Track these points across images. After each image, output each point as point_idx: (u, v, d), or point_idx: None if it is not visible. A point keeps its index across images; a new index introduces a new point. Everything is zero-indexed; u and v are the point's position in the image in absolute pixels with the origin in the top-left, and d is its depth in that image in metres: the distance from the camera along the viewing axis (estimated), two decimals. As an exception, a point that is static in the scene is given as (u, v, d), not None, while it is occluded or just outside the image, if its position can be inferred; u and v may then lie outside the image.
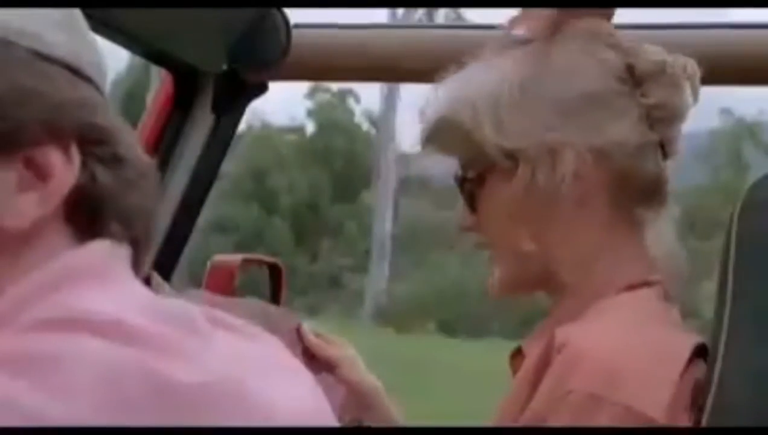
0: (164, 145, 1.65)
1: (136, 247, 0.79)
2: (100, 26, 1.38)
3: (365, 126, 23.68)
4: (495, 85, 1.21)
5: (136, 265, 0.79)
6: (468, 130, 1.21)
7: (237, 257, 1.77)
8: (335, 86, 21.89)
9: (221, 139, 1.69)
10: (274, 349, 0.77)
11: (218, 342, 0.71)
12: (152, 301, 0.73)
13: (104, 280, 0.73)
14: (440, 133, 1.25)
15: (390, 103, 20.72)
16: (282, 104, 21.66)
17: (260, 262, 1.83)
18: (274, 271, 1.83)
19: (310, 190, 20.28)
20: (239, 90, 1.66)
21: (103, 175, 0.75)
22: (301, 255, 18.76)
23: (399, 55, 1.64)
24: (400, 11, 21.00)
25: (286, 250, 17.83)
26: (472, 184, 1.24)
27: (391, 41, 1.65)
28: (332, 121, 22.22)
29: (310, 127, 22.89)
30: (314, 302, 17.72)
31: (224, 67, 1.64)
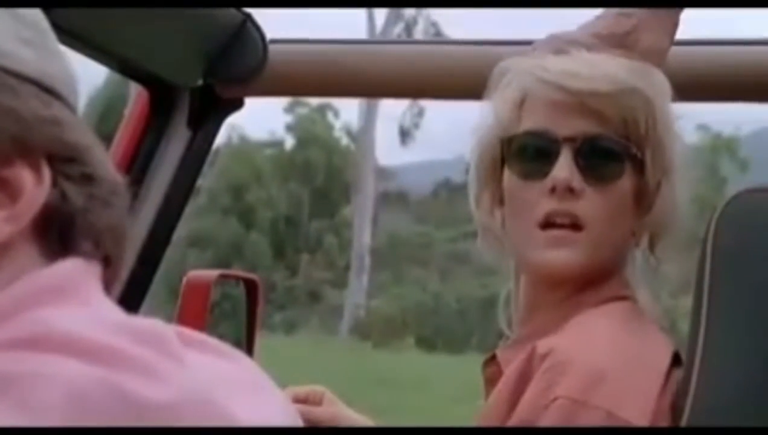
0: (140, 160, 1.64)
1: (108, 265, 0.78)
2: (74, 40, 1.38)
3: (344, 140, 23.73)
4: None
5: (107, 283, 0.78)
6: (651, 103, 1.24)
7: (213, 272, 1.76)
8: (314, 101, 21.98)
9: (197, 155, 1.68)
10: (247, 368, 0.77)
11: (189, 361, 0.70)
12: (123, 320, 0.73)
13: (74, 299, 0.72)
14: (624, 97, 1.23)
15: (369, 117, 20.76)
16: (260, 118, 21.71)
17: (237, 278, 1.82)
18: (251, 286, 1.82)
19: (289, 204, 20.28)
20: (215, 105, 1.65)
21: (73, 193, 0.74)
22: (280, 269, 18.75)
23: (375, 70, 1.64)
24: (379, 25, 21.07)
25: (265, 264, 17.82)
26: (616, 161, 1.24)
27: (367, 57, 1.65)
28: (311, 135, 22.24)
29: (289, 142, 22.91)
30: (293, 316, 17.71)
31: (200, 82, 1.63)
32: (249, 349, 1.82)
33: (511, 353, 1.22)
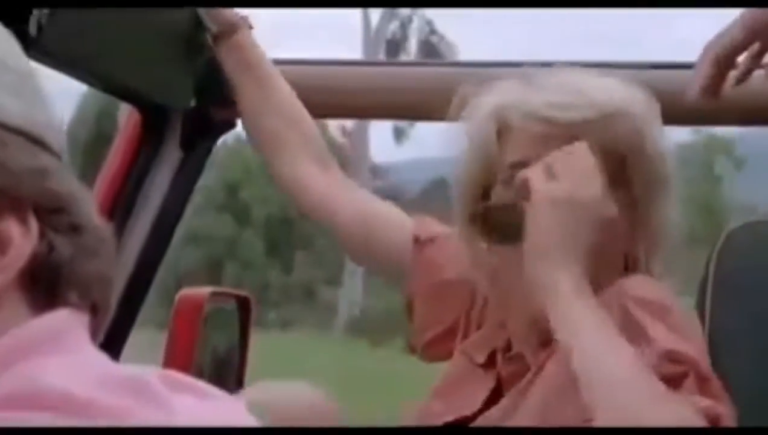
0: (131, 180, 1.64)
1: (95, 313, 0.78)
2: (64, 64, 1.37)
3: (339, 139, 23.70)
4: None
5: (94, 330, 0.79)
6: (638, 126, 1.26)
7: (205, 291, 1.77)
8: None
9: (189, 176, 1.68)
10: (234, 410, 0.77)
11: (175, 407, 0.70)
12: (108, 371, 0.73)
13: (59, 352, 0.72)
14: (611, 122, 1.25)
15: (363, 114, 20.74)
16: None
17: (229, 296, 1.83)
18: (243, 304, 1.83)
19: (284, 202, 20.27)
20: (207, 126, 1.65)
21: (60, 243, 0.74)
22: (275, 267, 18.73)
23: (367, 92, 1.64)
24: (374, 22, 21.06)
25: (260, 262, 17.81)
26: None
27: (359, 78, 1.65)
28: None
29: (284, 139, 22.84)
30: (288, 314, 17.68)
31: (192, 103, 1.63)
32: (241, 367, 1.82)
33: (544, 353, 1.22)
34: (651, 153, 1.27)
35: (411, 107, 1.63)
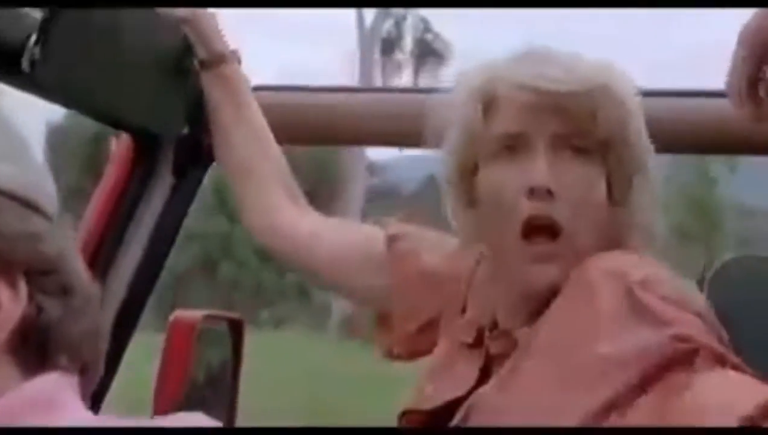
0: (123, 206, 1.64)
1: (85, 371, 0.79)
2: (58, 96, 1.37)
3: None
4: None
5: (85, 386, 0.79)
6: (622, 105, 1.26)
7: (198, 314, 1.77)
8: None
9: (181, 201, 1.68)
10: None
11: None
12: (95, 428, 0.74)
13: (49, 414, 0.73)
14: (597, 96, 1.25)
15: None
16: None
17: (221, 319, 1.83)
18: (235, 326, 1.83)
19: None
20: (199, 154, 1.65)
21: (49, 305, 0.75)
22: (269, 267, 18.73)
23: (359, 118, 1.64)
24: (368, 21, 21.04)
25: (253, 261, 17.78)
26: (591, 161, 1.26)
27: (351, 104, 1.65)
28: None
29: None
30: (282, 314, 17.68)
31: (184, 131, 1.63)
32: (234, 388, 1.82)
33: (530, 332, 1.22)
34: (633, 132, 1.28)
35: (398, 134, 1.63)
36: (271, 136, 1.59)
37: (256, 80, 1.64)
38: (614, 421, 1.07)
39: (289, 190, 1.58)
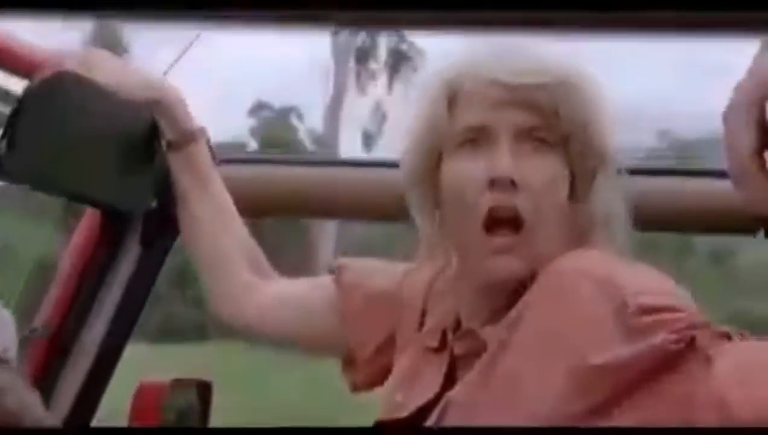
0: (91, 277, 1.65)
1: None
2: (27, 183, 1.38)
3: (309, 144, 23.63)
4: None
5: None
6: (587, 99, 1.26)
7: (165, 381, 1.78)
8: (278, 103, 21.87)
9: (148, 271, 1.69)
10: None
11: None
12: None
13: None
14: (558, 87, 1.25)
15: (333, 121, 20.73)
16: (223, 121, 21.54)
17: (189, 384, 1.84)
18: (203, 390, 1.84)
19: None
20: (167, 225, 1.66)
21: None
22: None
23: (327, 190, 1.66)
24: (343, 31, 21.00)
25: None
26: (553, 152, 1.25)
27: (319, 177, 1.67)
28: (274, 138, 22.13)
29: (252, 145, 22.78)
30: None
31: (152, 205, 1.64)
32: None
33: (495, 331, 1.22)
34: (596, 127, 1.27)
35: (369, 206, 1.65)
36: (233, 208, 1.59)
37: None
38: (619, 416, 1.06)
39: (252, 262, 1.58)
